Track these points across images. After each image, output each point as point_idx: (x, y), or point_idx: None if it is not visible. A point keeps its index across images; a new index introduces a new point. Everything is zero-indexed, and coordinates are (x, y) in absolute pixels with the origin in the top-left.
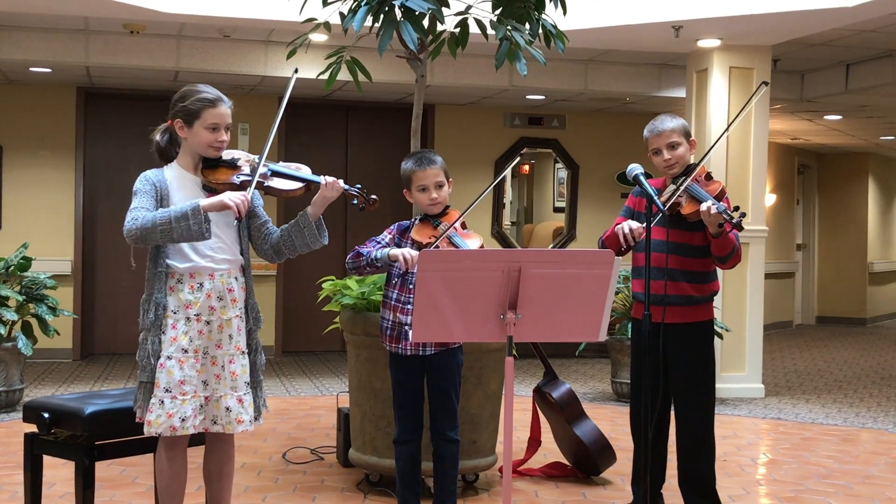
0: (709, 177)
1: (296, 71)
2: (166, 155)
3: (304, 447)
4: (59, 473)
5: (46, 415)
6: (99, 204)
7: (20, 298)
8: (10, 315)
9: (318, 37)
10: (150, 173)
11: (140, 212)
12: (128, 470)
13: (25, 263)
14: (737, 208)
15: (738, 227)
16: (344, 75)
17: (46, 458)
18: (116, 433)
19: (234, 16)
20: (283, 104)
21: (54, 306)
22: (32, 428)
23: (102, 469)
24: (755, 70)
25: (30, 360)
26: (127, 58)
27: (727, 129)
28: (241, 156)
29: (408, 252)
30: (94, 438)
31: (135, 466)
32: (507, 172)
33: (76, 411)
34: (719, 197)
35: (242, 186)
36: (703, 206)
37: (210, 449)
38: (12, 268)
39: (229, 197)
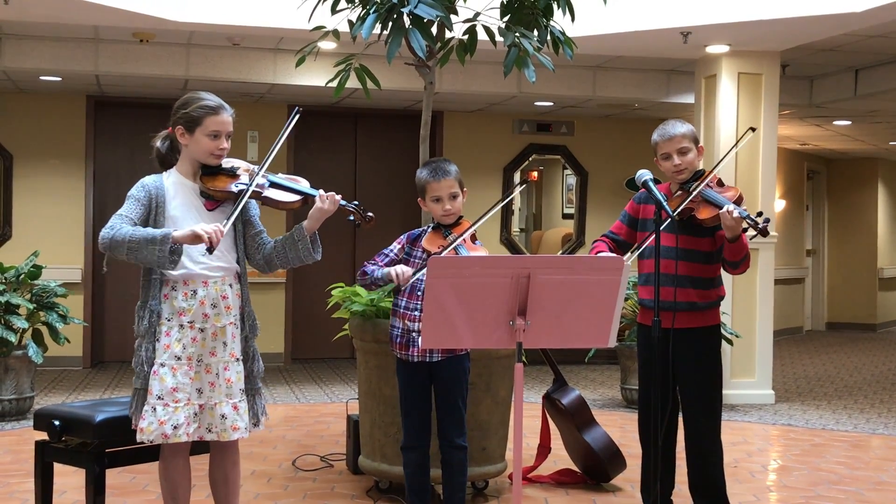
0: (720, 183)
1: (298, 111)
2: (166, 161)
3: (314, 454)
4: (69, 481)
5: (57, 422)
6: (109, 212)
7: (31, 306)
8: (20, 323)
9: (327, 44)
10: (149, 180)
11: (120, 220)
12: (138, 477)
13: (36, 272)
14: (760, 214)
15: (764, 232)
16: (353, 83)
17: (57, 466)
18: (127, 441)
19: (243, 24)
20: (281, 140)
21: (64, 314)
22: (43, 436)
23: (113, 476)
24: (764, 76)
25: (40, 368)
26: (136, 66)
27: (713, 170)
28: (241, 164)
29: (399, 269)
30: (104, 446)
31: (145, 474)
32: (516, 193)
33: (87, 419)
34: (738, 203)
35: (240, 194)
36: (725, 209)
37: (214, 456)
38: (23, 276)
39: (202, 228)
